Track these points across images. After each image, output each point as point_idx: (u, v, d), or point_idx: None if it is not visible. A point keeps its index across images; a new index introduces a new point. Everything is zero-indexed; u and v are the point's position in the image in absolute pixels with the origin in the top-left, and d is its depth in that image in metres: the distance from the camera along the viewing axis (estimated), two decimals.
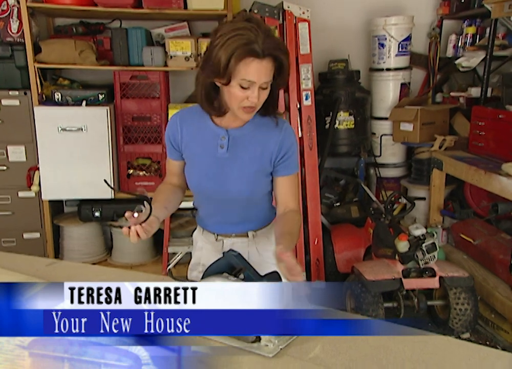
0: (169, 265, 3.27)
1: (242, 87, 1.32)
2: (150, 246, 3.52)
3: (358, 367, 1.08)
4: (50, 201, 3.31)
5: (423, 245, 2.55)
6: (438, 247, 2.60)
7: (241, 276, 1.28)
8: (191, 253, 1.74)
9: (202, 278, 1.34)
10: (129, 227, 1.27)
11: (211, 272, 1.33)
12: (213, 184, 1.48)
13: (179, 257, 3.29)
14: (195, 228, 1.72)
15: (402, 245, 2.60)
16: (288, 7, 3.13)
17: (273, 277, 1.27)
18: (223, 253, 1.40)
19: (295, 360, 1.10)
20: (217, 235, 1.61)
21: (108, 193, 3.22)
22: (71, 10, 3.18)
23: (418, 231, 2.59)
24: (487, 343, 2.76)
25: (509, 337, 2.71)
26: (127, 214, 1.27)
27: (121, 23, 3.55)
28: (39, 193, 3.24)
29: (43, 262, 1.77)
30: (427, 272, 2.63)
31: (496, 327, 2.80)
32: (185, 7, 3.17)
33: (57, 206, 3.54)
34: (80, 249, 3.39)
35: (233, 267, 1.31)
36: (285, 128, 1.48)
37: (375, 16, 3.70)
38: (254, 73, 1.30)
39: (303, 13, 3.16)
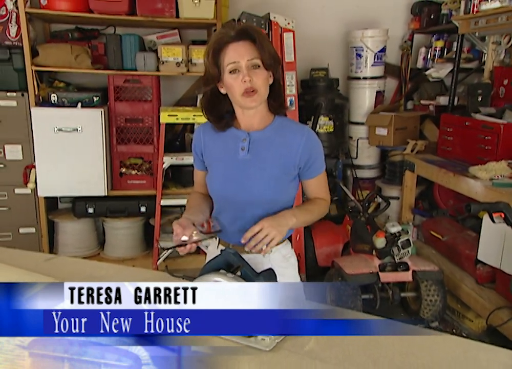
0: (159, 259, 3.19)
1: (232, 74, 1.30)
2: (140, 241, 3.43)
3: (351, 360, 1.05)
4: (45, 198, 3.21)
5: (399, 241, 2.53)
6: (411, 243, 2.58)
7: (238, 273, 1.22)
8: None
9: (199, 275, 1.26)
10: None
11: (209, 269, 1.25)
12: (235, 187, 1.39)
13: (169, 251, 3.21)
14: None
15: (380, 241, 2.56)
16: (274, 17, 3.07)
17: (269, 274, 1.22)
18: (221, 250, 1.33)
19: (291, 353, 1.06)
20: (232, 246, 1.47)
21: (101, 191, 3.13)
22: (67, 16, 3.08)
23: (394, 229, 2.56)
24: (454, 330, 2.76)
25: (473, 325, 2.70)
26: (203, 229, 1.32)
27: (115, 30, 3.44)
28: (35, 190, 3.14)
29: (41, 257, 1.68)
30: (401, 266, 2.61)
31: (461, 316, 2.80)
32: (177, 15, 3.10)
33: (51, 202, 3.43)
34: (74, 244, 3.29)
35: (231, 265, 1.24)
36: (306, 131, 1.41)
37: (353, 28, 3.67)
38: (234, 53, 1.30)
39: (288, 23, 3.11)
